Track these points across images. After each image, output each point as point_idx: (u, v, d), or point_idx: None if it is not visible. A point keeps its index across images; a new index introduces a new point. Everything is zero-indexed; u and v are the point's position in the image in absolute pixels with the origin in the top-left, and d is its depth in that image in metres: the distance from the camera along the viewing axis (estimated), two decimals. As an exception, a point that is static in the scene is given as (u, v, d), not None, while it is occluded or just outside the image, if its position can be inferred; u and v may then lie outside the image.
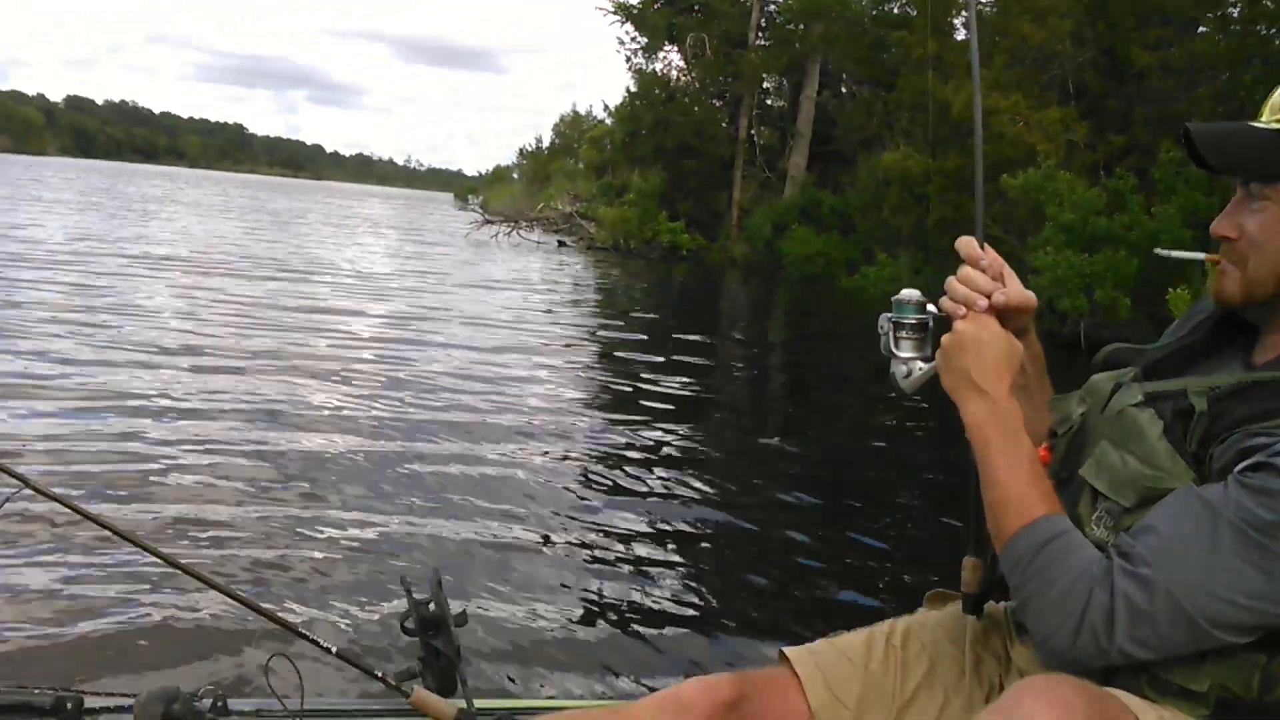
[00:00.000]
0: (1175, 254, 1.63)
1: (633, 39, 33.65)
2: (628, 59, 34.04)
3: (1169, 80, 16.86)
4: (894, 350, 1.60)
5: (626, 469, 5.87)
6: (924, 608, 1.75)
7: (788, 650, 1.64)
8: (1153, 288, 13.56)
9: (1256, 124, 1.38)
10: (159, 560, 1.71)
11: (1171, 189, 14.42)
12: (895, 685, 1.62)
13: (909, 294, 1.62)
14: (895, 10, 25.54)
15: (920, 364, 1.58)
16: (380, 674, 1.63)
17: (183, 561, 1.78)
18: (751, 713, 1.57)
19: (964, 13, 22.07)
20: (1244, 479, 1.25)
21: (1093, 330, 14.35)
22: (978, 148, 1.79)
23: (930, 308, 1.58)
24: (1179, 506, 1.31)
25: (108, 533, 1.78)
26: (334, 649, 1.65)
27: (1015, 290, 1.52)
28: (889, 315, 1.62)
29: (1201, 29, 17.38)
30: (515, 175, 67.76)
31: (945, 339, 1.53)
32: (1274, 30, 16.47)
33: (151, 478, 4.82)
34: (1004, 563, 1.43)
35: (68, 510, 1.63)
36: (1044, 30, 18.13)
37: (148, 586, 3.56)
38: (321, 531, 4.31)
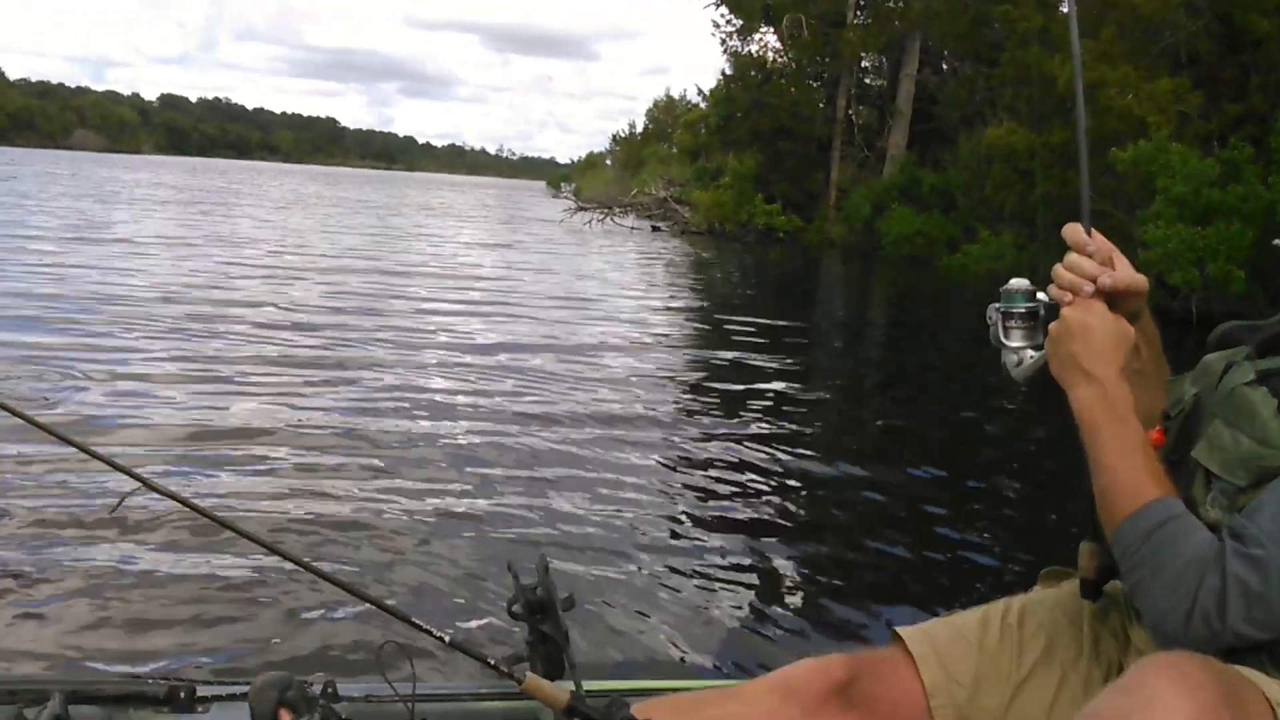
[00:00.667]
0: None
1: (728, 21, 33.58)
2: (723, 42, 33.98)
3: (1288, 47, 16.32)
4: (1004, 340, 1.60)
5: (730, 451, 5.83)
6: (1039, 586, 1.74)
7: (901, 630, 1.63)
8: (1270, 260, 13.20)
9: None
10: (267, 551, 1.72)
11: (1288, 155, 14.01)
12: (1011, 664, 1.59)
13: (1017, 283, 1.61)
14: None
15: (1031, 352, 1.58)
16: (493, 661, 1.61)
17: (292, 552, 1.78)
18: (864, 694, 1.56)
19: (1069, -15, 21.62)
20: None
21: (1205, 305, 14.01)
22: (1080, 128, 1.73)
23: (1040, 295, 1.58)
24: None
25: (219, 527, 1.74)
26: (446, 637, 1.62)
27: (1124, 274, 1.51)
28: (997, 305, 1.62)
29: (1322, -7, 16.77)
30: (608, 162, 68.06)
31: (1052, 326, 1.53)
32: (1401, -7, 15.85)
33: (258, 469, 4.86)
34: (1115, 548, 1.43)
35: (181, 506, 1.62)
36: (1155, 0, 17.68)
37: (257, 578, 3.58)
38: (429, 519, 4.31)
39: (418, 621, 1.64)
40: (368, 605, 1.70)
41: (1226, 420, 1.42)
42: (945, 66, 29.09)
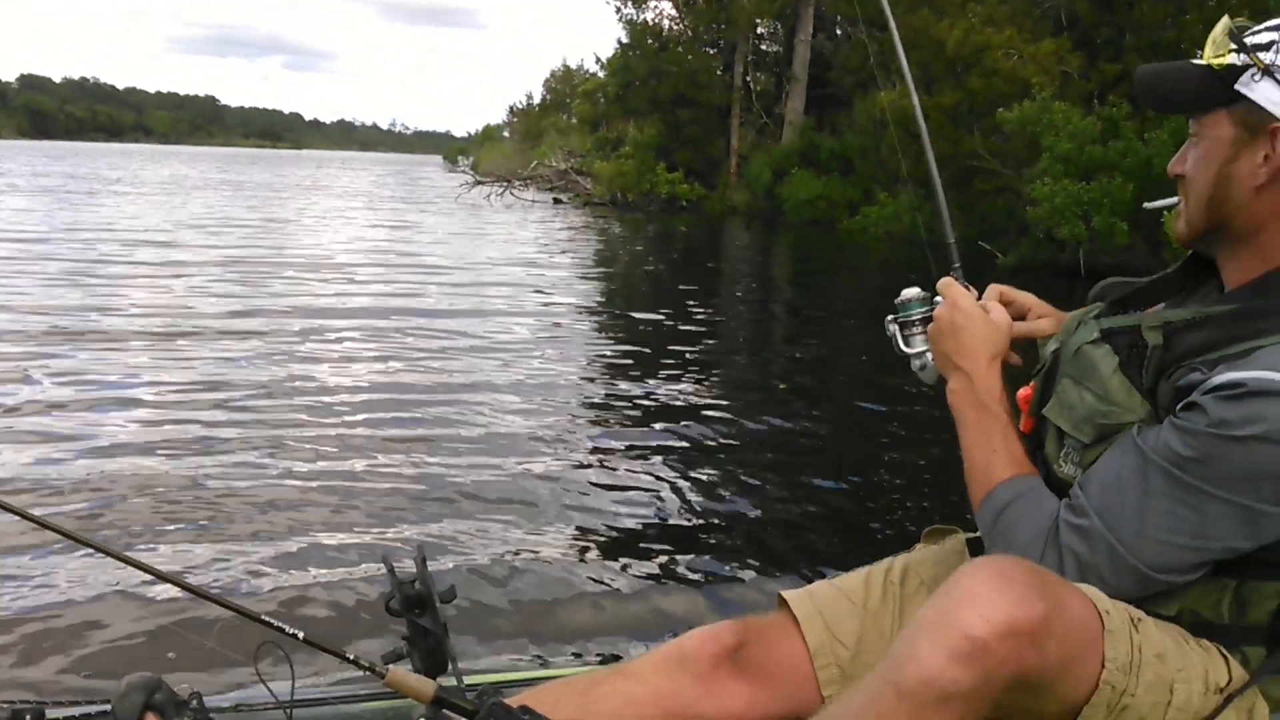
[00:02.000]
0: (1159, 204, 1.65)
1: (621, -11, 33.46)
2: (617, 9, 33.58)
3: (1159, 7, 17.09)
4: (906, 348, 1.69)
5: (619, 428, 5.71)
6: (922, 544, 1.76)
7: (786, 594, 1.65)
8: (1149, 213, 13.89)
9: (1195, 61, 1.39)
10: (121, 562, 1.59)
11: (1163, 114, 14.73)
12: (894, 621, 1.62)
13: (910, 292, 1.69)
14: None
15: (930, 356, 1.66)
16: (352, 657, 1.55)
17: (148, 562, 1.65)
18: (753, 658, 1.58)
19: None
20: (1174, 420, 1.28)
21: (1092, 257, 14.68)
22: (936, 182, 1.89)
23: (937, 299, 1.65)
24: (1117, 452, 1.34)
25: (65, 539, 1.67)
26: (300, 635, 1.56)
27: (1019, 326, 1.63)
28: (893, 317, 1.70)
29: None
30: (506, 134, 67.44)
31: (930, 327, 1.63)
32: (1261, -46, 16.68)
33: (108, 473, 4.51)
34: (980, 530, 1.49)
35: (18, 517, 1.50)
36: (1035, -37, 18.35)
37: (114, 592, 3.33)
38: (303, 517, 4.11)
39: (269, 620, 1.58)
40: (231, 613, 1.60)
41: (1074, 378, 1.44)
42: (839, 31, 29.56)
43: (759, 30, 31.79)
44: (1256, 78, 1.31)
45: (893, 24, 2.06)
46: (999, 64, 17.65)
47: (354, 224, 20.86)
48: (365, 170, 70.58)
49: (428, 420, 5.66)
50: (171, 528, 3.93)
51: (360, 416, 5.69)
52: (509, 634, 3.19)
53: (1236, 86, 1.33)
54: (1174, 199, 1.48)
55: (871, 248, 19.35)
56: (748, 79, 30.67)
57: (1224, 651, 1.35)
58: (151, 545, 3.75)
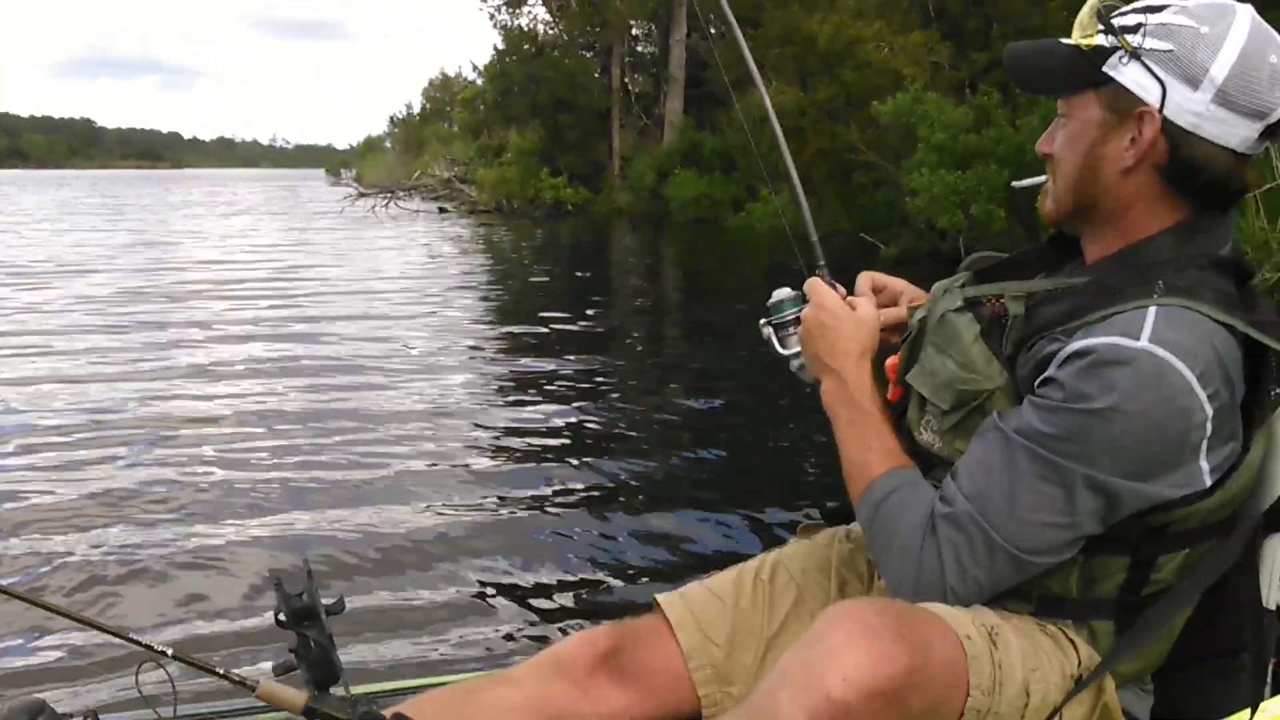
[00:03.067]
0: (1025, 183, 1.65)
1: (493, -5, 33.25)
2: (491, 16, 33.53)
3: (1025, -4, 17.38)
4: (781, 350, 1.68)
5: (504, 433, 5.74)
6: (795, 540, 1.77)
7: (659, 597, 1.66)
8: (1026, 198, 14.07)
9: (1064, 41, 1.39)
10: None
11: (1033, 101, 14.91)
12: (764, 619, 1.63)
13: (781, 293, 1.68)
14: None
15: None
16: (222, 671, 1.57)
17: (12, 586, 1.65)
18: (628, 661, 1.59)
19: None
20: (1033, 398, 1.30)
21: (971, 245, 14.70)
22: (794, 181, 1.86)
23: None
24: (983, 435, 1.34)
25: None
26: (169, 651, 1.56)
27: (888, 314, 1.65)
28: (766, 320, 1.69)
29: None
30: (388, 144, 66.68)
31: (799, 330, 1.63)
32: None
33: None
34: (860, 527, 1.49)
35: None
36: (900, -44, 18.53)
37: None
38: (192, 532, 4.10)
39: (137, 639, 1.58)
40: (102, 634, 1.61)
41: (937, 345, 1.45)
42: (713, 30, 29.64)
43: (634, 32, 31.84)
44: (1124, 60, 1.31)
45: (737, 30, 2.05)
46: (871, 57, 17.77)
47: (237, 245, 20.18)
48: (247, 187, 69.61)
49: (315, 435, 5.61)
50: (59, 551, 3.88)
51: (248, 431, 5.69)
52: (401, 644, 3.21)
53: (1105, 69, 1.33)
54: (1041, 178, 1.49)
55: (757, 244, 19.39)
56: (626, 81, 30.70)
57: (1072, 635, 1.37)
58: (34, 569, 3.72)
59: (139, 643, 1.57)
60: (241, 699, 1.90)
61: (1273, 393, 1.34)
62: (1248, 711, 1.37)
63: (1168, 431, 1.23)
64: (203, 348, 8.37)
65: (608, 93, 30.89)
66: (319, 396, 6.57)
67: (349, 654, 2.89)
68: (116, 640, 1.54)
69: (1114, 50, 1.31)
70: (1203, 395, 1.22)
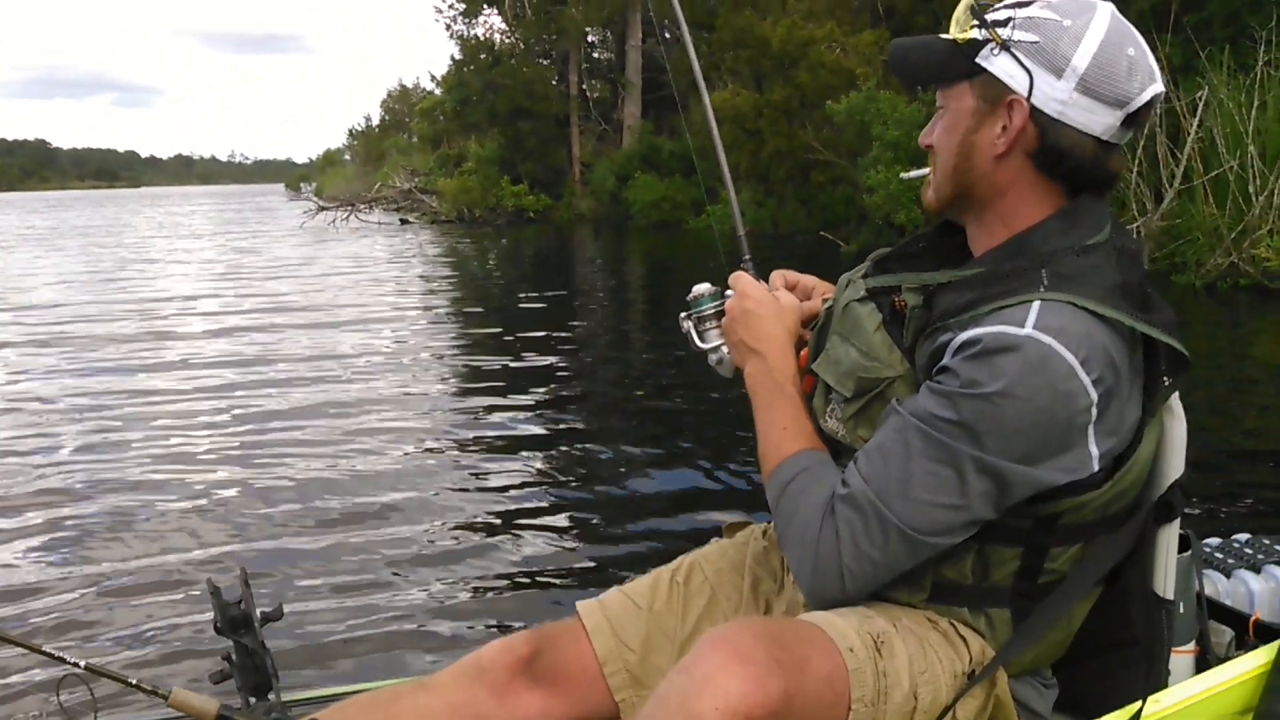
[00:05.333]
0: (914, 174, 1.68)
1: (450, 6, 33.13)
2: (447, 26, 33.50)
3: (969, -7, 17.66)
4: (700, 344, 1.73)
5: (442, 444, 5.72)
6: (716, 540, 1.81)
7: (579, 604, 1.70)
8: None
9: (942, 36, 1.44)
10: None
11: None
12: (678, 621, 1.67)
13: (701, 288, 1.73)
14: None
15: (725, 349, 1.70)
16: (134, 681, 1.57)
17: None
18: (547, 667, 1.62)
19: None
20: (929, 384, 1.34)
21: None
22: (726, 177, 1.97)
23: (728, 293, 1.70)
24: (884, 421, 1.38)
25: None
26: (82, 664, 1.57)
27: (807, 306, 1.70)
28: (686, 314, 1.74)
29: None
30: (348, 157, 66.27)
31: (724, 320, 1.68)
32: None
33: None
34: (769, 506, 1.51)
35: None
36: (848, -42, 18.78)
37: None
38: (130, 542, 4.13)
39: (50, 652, 1.59)
40: (21, 650, 1.64)
41: (841, 334, 1.49)
42: (668, 35, 29.79)
43: (590, 39, 31.92)
44: (995, 52, 1.38)
45: (686, 37, 2.12)
46: (824, 57, 18.00)
47: (196, 264, 19.93)
48: (206, 204, 68.63)
49: (258, 446, 5.62)
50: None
51: (191, 441, 5.69)
52: (336, 652, 3.24)
53: (978, 60, 1.39)
54: (926, 170, 1.52)
55: (719, 246, 19.42)
56: (583, 87, 30.79)
57: (964, 629, 1.42)
58: None
59: (52, 656, 1.61)
60: (158, 709, 1.93)
61: (1163, 385, 1.38)
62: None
63: (1054, 415, 1.27)
64: (149, 362, 8.33)
65: (566, 99, 30.92)
66: (264, 407, 6.56)
67: (287, 661, 2.86)
68: (37, 656, 1.56)
69: (986, 43, 1.38)
70: (1087, 380, 1.27)
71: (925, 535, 1.33)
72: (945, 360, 1.32)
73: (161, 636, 3.32)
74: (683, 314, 1.75)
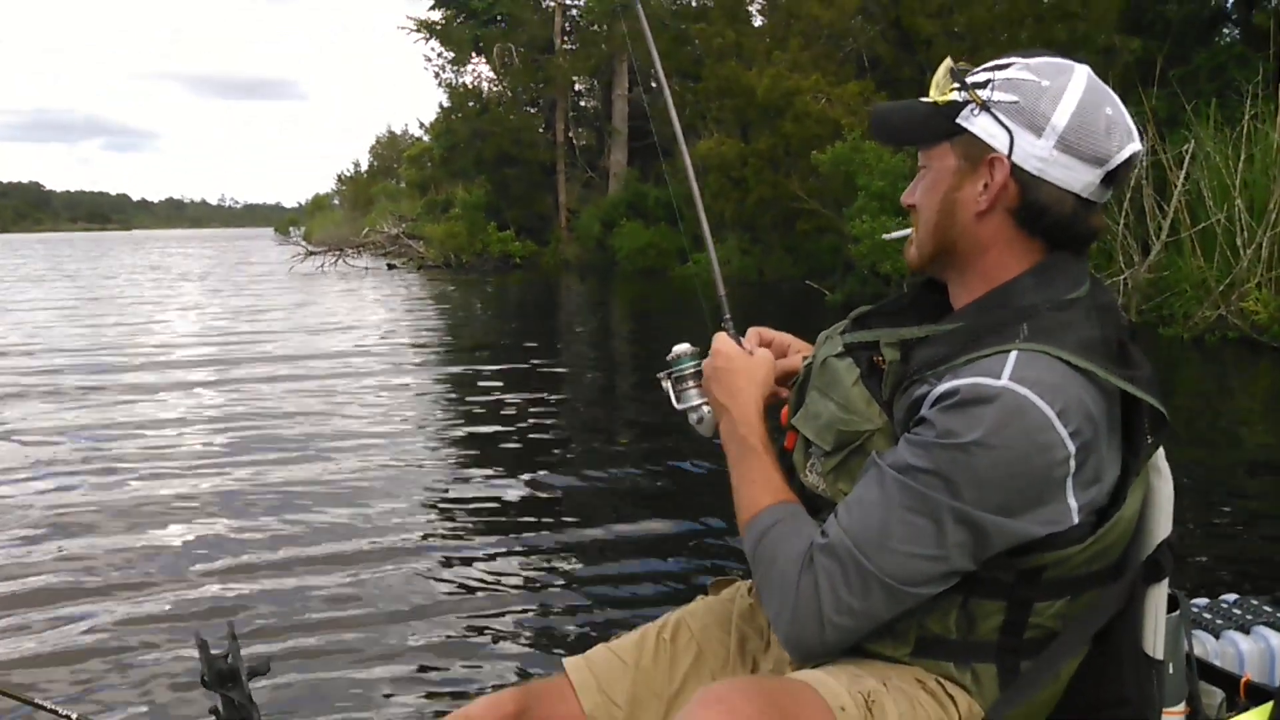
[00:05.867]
0: (895, 235, 1.71)
1: (439, 55, 33.46)
2: (436, 74, 33.85)
3: (954, 46, 17.75)
4: (678, 404, 1.75)
5: (430, 499, 5.66)
6: (703, 596, 1.81)
7: (565, 660, 1.70)
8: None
9: (923, 99, 1.48)
10: None
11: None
12: (664, 678, 1.67)
13: (680, 349, 1.76)
14: (693, 4, 26.13)
15: (705, 408, 1.72)
16: None
17: None
18: None
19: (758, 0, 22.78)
20: (907, 435, 1.35)
21: (914, 290, 15.02)
22: (707, 237, 2.03)
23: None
24: (864, 473, 1.39)
25: None
26: (74, 714, 1.62)
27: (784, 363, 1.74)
28: (665, 374, 1.76)
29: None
30: (336, 202, 66.56)
31: (703, 380, 1.72)
32: (1041, -9, 17.56)
33: None
34: (747, 558, 1.51)
35: None
36: (833, 9, 18.88)
37: None
38: (120, 598, 4.11)
39: (43, 704, 1.66)
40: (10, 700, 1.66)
41: (820, 389, 1.51)
42: (654, 84, 30.03)
43: (577, 87, 32.14)
44: (975, 112, 1.41)
45: (667, 94, 2.17)
46: (809, 107, 18.04)
47: (187, 308, 19.83)
48: (196, 248, 68.65)
49: (248, 498, 5.60)
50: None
51: (180, 492, 5.67)
52: (322, 707, 3.23)
53: (958, 120, 1.42)
54: (909, 230, 1.55)
55: (703, 291, 19.42)
56: (570, 135, 30.97)
57: (952, 687, 1.41)
58: None
59: (44, 707, 1.66)
60: None
61: (1146, 443, 1.38)
62: None
63: (1031, 466, 1.28)
64: (137, 405, 8.36)
65: (552, 147, 31.08)
66: (254, 458, 6.49)
67: (273, 716, 2.89)
68: (17, 708, 1.55)
69: (966, 104, 1.42)
70: (1064, 432, 1.27)
71: (905, 585, 1.33)
72: (923, 411, 1.33)
73: (148, 687, 3.33)
74: (661, 374, 1.77)
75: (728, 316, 1.81)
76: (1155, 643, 1.47)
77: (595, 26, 30.18)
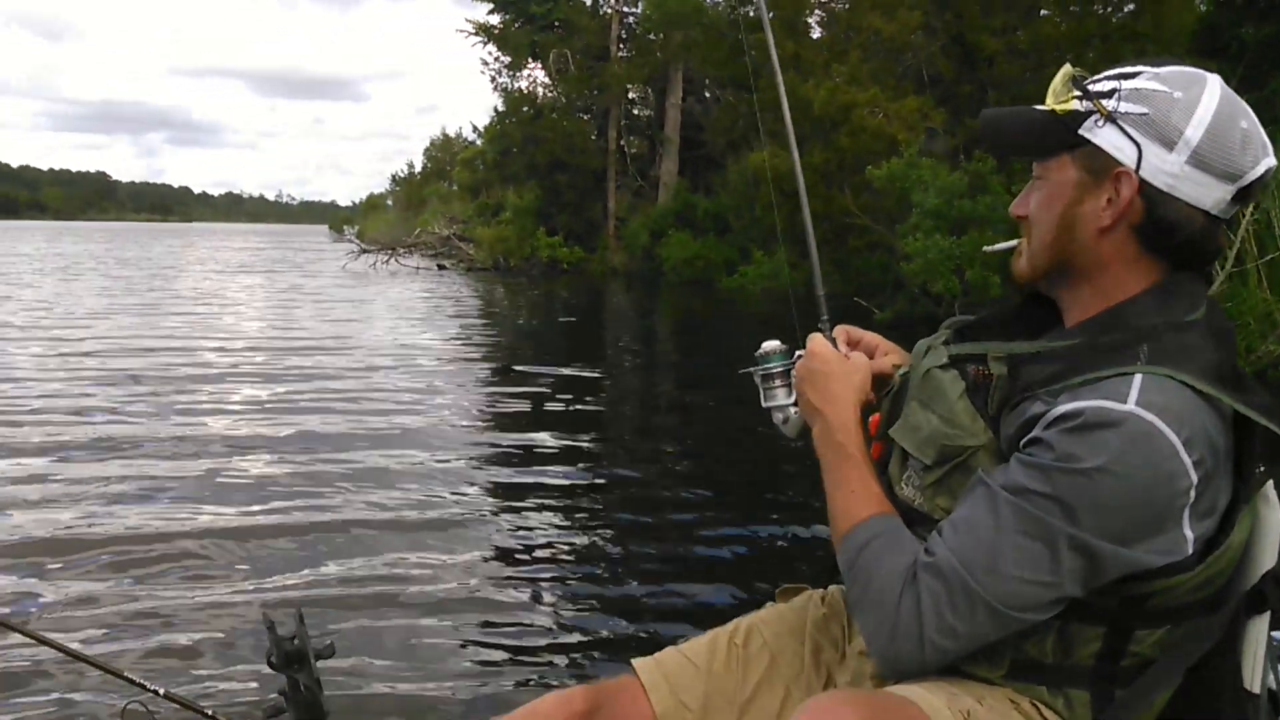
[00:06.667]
0: (998, 247, 1.66)
1: (496, 59, 33.73)
2: (493, 79, 34.14)
3: (1017, 63, 17.45)
4: (763, 402, 1.70)
5: (495, 487, 5.81)
6: (772, 603, 1.78)
7: (635, 661, 1.68)
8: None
9: (1037, 107, 1.42)
10: None
11: (1029, 167, 14.85)
12: (737, 684, 1.64)
13: (769, 345, 1.71)
14: (751, 14, 25.91)
15: (793, 409, 1.67)
16: (211, 712, 1.65)
17: (17, 622, 1.76)
18: None
19: (818, 12, 22.54)
20: (1021, 456, 1.29)
21: (967, 310, 14.61)
22: (810, 238, 1.97)
23: (799, 352, 1.67)
24: (971, 491, 1.34)
25: None
26: (161, 691, 1.63)
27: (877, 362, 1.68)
28: (753, 369, 1.71)
29: (1044, 12, 18.02)
30: (389, 202, 67.26)
31: (794, 379, 1.67)
32: (1110, 9, 17.18)
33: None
34: (840, 570, 1.47)
35: None
36: (895, 23, 18.61)
37: None
38: (190, 573, 4.19)
39: (130, 677, 1.65)
40: (98, 671, 1.70)
41: (921, 401, 1.46)
42: (708, 94, 29.87)
43: (631, 95, 32.09)
44: (1100, 123, 1.35)
45: (783, 94, 2.07)
46: (865, 122, 17.78)
47: (239, 299, 20.40)
48: (254, 242, 71.70)
49: (314, 483, 5.68)
50: (46, 585, 3.99)
51: (246, 478, 5.76)
52: (385, 692, 3.25)
53: (1080, 131, 1.36)
54: (1013, 242, 1.52)
55: (751, 306, 19.31)
56: (622, 142, 30.92)
57: (1046, 714, 1.36)
58: (16, 602, 3.81)
59: (133, 681, 1.68)
60: None
61: (1257, 471, 1.34)
62: None
63: (1153, 495, 1.23)
64: (202, 398, 8.48)
65: (604, 154, 31.10)
66: (317, 446, 6.60)
67: (338, 700, 2.86)
68: (104, 678, 1.71)
69: (1089, 114, 1.35)
70: (1188, 461, 1.23)
71: (1012, 610, 1.29)
72: (1038, 432, 1.28)
73: (214, 667, 3.36)
74: (750, 369, 1.73)
75: (825, 318, 1.76)
76: (1253, 676, 1.39)
77: (652, 35, 30.10)
